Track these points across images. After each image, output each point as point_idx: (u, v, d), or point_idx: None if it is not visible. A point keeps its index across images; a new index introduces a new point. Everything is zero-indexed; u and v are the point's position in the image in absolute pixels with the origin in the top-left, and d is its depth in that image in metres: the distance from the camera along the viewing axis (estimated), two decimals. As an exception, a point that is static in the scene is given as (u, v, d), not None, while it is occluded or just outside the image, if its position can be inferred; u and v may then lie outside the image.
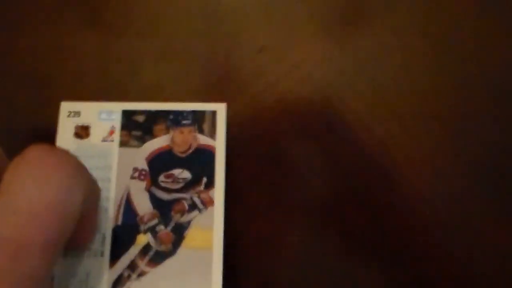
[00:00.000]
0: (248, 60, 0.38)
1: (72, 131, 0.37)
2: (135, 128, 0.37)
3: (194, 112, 0.37)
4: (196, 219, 0.35)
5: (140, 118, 0.37)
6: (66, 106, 0.37)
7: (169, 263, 0.34)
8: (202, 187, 0.36)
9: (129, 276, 0.34)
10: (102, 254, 0.34)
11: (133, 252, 0.34)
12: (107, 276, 0.33)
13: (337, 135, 0.38)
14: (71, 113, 0.37)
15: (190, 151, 0.36)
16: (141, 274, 0.34)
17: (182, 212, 0.35)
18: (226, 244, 0.34)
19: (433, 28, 0.39)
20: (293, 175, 0.37)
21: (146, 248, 0.34)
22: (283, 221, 0.35)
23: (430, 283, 0.35)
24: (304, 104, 0.38)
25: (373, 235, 0.36)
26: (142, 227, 0.35)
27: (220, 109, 0.38)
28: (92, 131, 0.37)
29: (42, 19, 0.39)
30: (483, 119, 0.38)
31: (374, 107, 0.39)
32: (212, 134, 0.37)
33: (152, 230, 0.35)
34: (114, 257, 0.34)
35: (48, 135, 0.36)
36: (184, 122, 0.37)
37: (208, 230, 0.35)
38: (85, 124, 0.37)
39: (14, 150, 0.35)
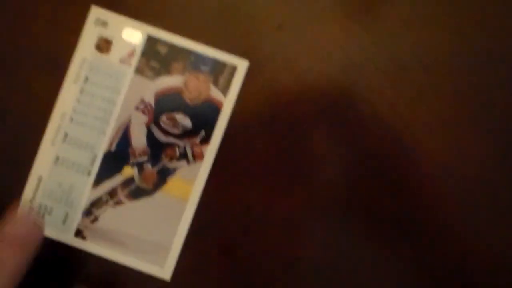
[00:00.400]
0: (267, 37, 0.35)
1: (94, 41, 0.36)
2: (155, 58, 0.36)
3: (215, 61, 0.36)
4: (182, 169, 0.36)
5: (162, 49, 0.36)
6: (95, 12, 0.37)
7: (145, 201, 0.36)
8: (198, 140, 0.36)
9: (107, 201, 0.36)
10: (89, 173, 0.36)
11: (116, 180, 0.36)
12: (88, 195, 0.36)
13: (359, 113, 0.37)
14: (98, 21, 0.37)
15: (199, 100, 0.36)
16: (118, 203, 0.36)
17: (172, 158, 0.36)
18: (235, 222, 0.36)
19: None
20: (313, 155, 0.36)
21: (129, 181, 0.36)
22: (304, 200, 0.36)
23: (457, 262, 0.36)
24: (324, 82, 0.36)
25: (397, 214, 0.36)
26: (132, 160, 0.36)
27: (241, 66, 0.36)
28: (113, 47, 0.36)
29: None
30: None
31: (397, 85, 0.36)
32: (225, 90, 0.36)
33: (139, 166, 0.36)
34: (99, 180, 0.36)
35: (69, 42, 0.36)
36: (203, 68, 0.36)
37: (190, 183, 0.36)
38: (109, 38, 0.36)
39: (34, 54, 0.36)
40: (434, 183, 0.36)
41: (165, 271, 0.36)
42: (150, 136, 0.36)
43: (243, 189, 0.36)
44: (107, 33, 0.36)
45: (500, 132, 0.37)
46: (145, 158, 0.36)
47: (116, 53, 0.36)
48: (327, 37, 0.36)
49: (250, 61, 0.36)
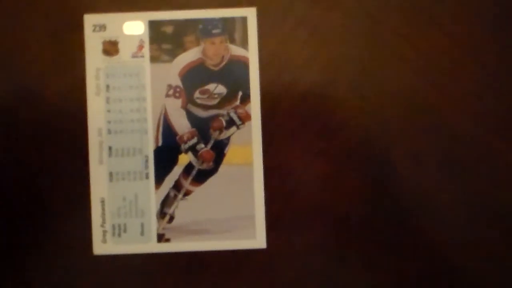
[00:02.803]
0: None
1: (100, 47, 0.35)
2: (165, 40, 0.35)
3: (224, 20, 0.35)
4: (235, 135, 0.35)
5: (168, 29, 0.35)
6: (89, 19, 0.35)
7: (212, 181, 0.35)
8: (238, 102, 0.35)
9: (175, 196, 0.35)
10: (147, 176, 0.35)
11: (176, 172, 0.35)
12: (155, 197, 0.35)
13: (380, 55, 0.35)
14: (96, 27, 0.35)
15: (223, 63, 0.35)
16: (187, 193, 0.35)
17: (220, 129, 0.35)
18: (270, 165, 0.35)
19: None
20: (337, 109, 0.35)
21: (189, 168, 0.35)
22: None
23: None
24: (338, 32, 0.35)
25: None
26: (183, 147, 0.35)
27: (251, 14, 0.35)
28: (121, 46, 0.35)
29: None
30: None
31: (412, 22, 0.35)
32: (244, 43, 0.35)
33: (193, 149, 0.35)
34: (159, 179, 0.35)
35: (76, 57, 0.35)
36: (215, 31, 0.35)
37: (248, 146, 0.35)
38: (113, 39, 0.35)
39: (44, 82, 0.35)
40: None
41: (258, 240, 0.35)
42: (191, 117, 0.35)
43: (300, 132, 0.35)
44: (109, 35, 0.35)
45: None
46: (195, 140, 0.35)
47: (125, 51, 0.35)
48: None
49: (257, 8, 0.35)
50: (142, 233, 0.35)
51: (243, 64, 0.35)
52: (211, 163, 0.35)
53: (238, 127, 0.35)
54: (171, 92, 0.35)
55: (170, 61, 0.35)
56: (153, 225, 0.35)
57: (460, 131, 0.35)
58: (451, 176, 0.35)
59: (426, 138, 0.35)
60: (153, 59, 0.35)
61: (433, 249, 0.35)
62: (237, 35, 0.35)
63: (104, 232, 0.35)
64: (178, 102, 0.35)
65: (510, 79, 0.35)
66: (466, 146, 0.35)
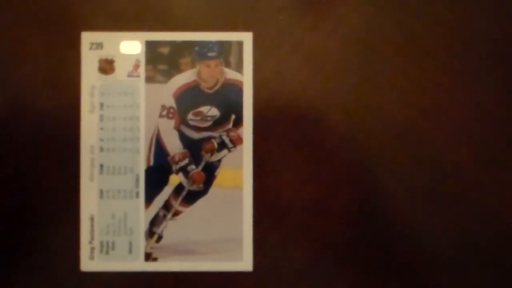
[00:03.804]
0: (269, 21, 0.35)
1: (96, 65, 0.35)
2: (161, 61, 0.35)
3: (220, 44, 0.35)
4: (226, 158, 0.35)
5: (165, 50, 0.35)
6: (87, 37, 0.36)
7: (201, 202, 0.35)
8: (230, 125, 0.35)
9: (164, 216, 0.35)
10: (137, 195, 0.35)
11: (166, 192, 0.35)
12: (144, 216, 0.35)
13: (373, 84, 0.36)
14: (93, 45, 0.36)
15: (217, 86, 0.35)
16: (176, 213, 0.35)
17: (212, 151, 0.35)
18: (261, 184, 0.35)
19: None
20: (330, 135, 0.35)
21: (179, 188, 0.35)
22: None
23: None
24: (333, 59, 0.35)
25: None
26: (174, 167, 0.35)
27: (247, 38, 0.35)
28: (117, 65, 0.35)
29: None
30: None
31: (407, 52, 0.35)
32: (239, 68, 0.35)
33: (184, 170, 0.35)
34: (149, 198, 0.35)
35: (71, 74, 0.36)
36: (210, 54, 0.35)
37: (238, 169, 0.35)
38: (109, 58, 0.35)
39: (38, 97, 0.35)
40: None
41: (245, 263, 0.35)
42: (183, 138, 0.35)
43: (292, 157, 0.35)
44: (105, 53, 0.35)
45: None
46: (186, 161, 0.35)
47: (121, 70, 0.35)
48: (330, 14, 0.35)
49: (253, 33, 0.36)
50: (130, 251, 0.35)
51: (237, 88, 0.35)
52: (201, 185, 0.35)
53: (229, 150, 0.35)
54: (164, 112, 0.35)
55: (165, 82, 0.35)
56: (141, 244, 0.35)
57: (448, 162, 0.36)
58: (438, 204, 0.36)
59: (414, 167, 0.35)
60: (149, 79, 0.35)
61: (419, 274, 0.36)
62: (233, 59, 0.35)
63: (92, 248, 0.35)
64: (171, 123, 0.35)
65: (498, 111, 0.36)
66: (453, 176, 0.36)
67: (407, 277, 0.35)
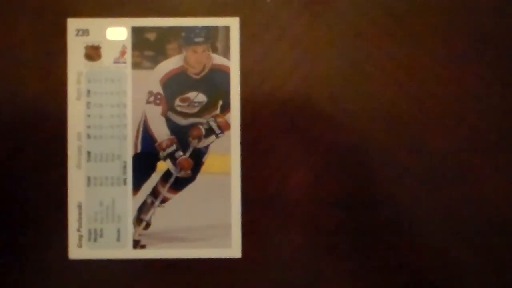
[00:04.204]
0: (256, 6, 0.34)
1: (82, 52, 0.35)
2: (147, 47, 0.35)
3: (207, 29, 0.35)
4: (214, 144, 0.35)
5: (151, 36, 0.35)
6: (73, 23, 0.35)
7: (189, 189, 0.35)
8: (218, 111, 0.35)
9: (152, 203, 0.35)
10: (124, 182, 0.35)
11: (154, 179, 0.35)
12: (132, 203, 0.35)
13: (361, 70, 0.35)
14: (79, 32, 0.35)
15: (204, 72, 0.35)
16: (164, 200, 0.35)
17: (199, 138, 0.35)
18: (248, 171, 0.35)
19: None
20: (318, 120, 0.35)
21: (167, 175, 0.35)
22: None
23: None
24: (321, 44, 0.35)
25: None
26: (162, 154, 0.35)
27: (234, 24, 0.35)
28: (103, 51, 0.35)
29: None
30: None
31: (395, 37, 0.35)
32: (226, 53, 0.35)
33: (172, 157, 0.35)
34: (137, 185, 0.35)
35: (58, 61, 0.35)
36: (197, 39, 0.35)
37: (226, 155, 0.35)
38: (95, 44, 0.35)
39: (25, 85, 0.35)
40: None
41: (234, 250, 0.35)
42: (170, 124, 0.35)
43: (280, 143, 0.35)
44: (91, 40, 0.35)
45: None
46: (173, 147, 0.35)
47: (107, 56, 0.35)
48: None
49: (240, 18, 0.35)
50: (118, 239, 0.35)
51: (224, 74, 0.35)
52: (189, 171, 0.35)
53: (217, 136, 0.35)
54: (151, 99, 0.35)
55: (152, 68, 0.35)
56: (129, 231, 0.35)
57: (439, 148, 0.35)
58: (427, 190, 0.35)
59: (405, 153, 0.35)
60: (135, 65, 0.35)
61: (407, 261, 0.35)
62: (220, 44, 0.35)
63: (80, 236, 0.35)
64: (158, 109, 0.35)
65: (490, 99, 0.36)
66: (444, 162, 0.35)
67: (395, 264, 0.35)
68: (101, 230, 0.35)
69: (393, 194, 0.35)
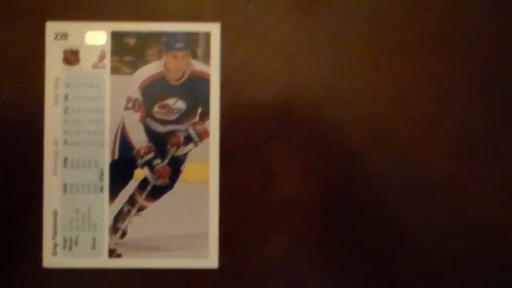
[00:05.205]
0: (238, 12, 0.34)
1: (60, 56, 0.35)
2: (127, 52, 0.34)
3: (187, 35, 0.34)
4: (192, 152, 0.34)
5: (131, 41, 0.34)
6: (52, 27, 0.35)
7: (167, 197, 0.34)
8: (197, 119, 0.34)
9: (129, 211, 0.34)
10: (101, 190, 0.34)
11: (131, 186, 0.34)
12: (108, 211, 0.34)
13: (342, 77, 0.35)
14: (57, 35, 0.35)
15: (184, 78, 0.34)
16: (141, 209, 0.34)
17: (178, 145, 0.34)
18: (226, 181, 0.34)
19: None
20: (298, 128, 0.35)
21: (144, 183, 0.34)
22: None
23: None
24: (302, 51, 0.34)
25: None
26: (139, 161, 0.34)
27: (215, 30, 0.34)
28: (82, 56, 0.35)
29: None
30: None
31: (376, 45, 0.35)
32: (207, 59, 0.34)
33: (149, 164, 0.34)
34: (114, 192, 0.34)
35: (35, 65, 0.35)
36: (177, 45, 0.34)
37: (205, 164, 0.34)
38: (74, 48, 0.35)
39: (1, 88, 0.35)
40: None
41: (210, 260, 0.34)
42: (149, 131, 0.34)
43: (260, 152, 0.35)
44: (70, 44, 0.34)
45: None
46: (151, 155, 0.34)
47: (86, 60, 0.34)
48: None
49: (221, 23, 0.35)
50: (93, 247, 0.34)
51: (204, 80, 0.34)
52: (166, 179, 0.34)
53: (195, 144, 0.34)
54: (130, 105, 0.34)
55: (131, 73, 0.34)
56: (105, 240, 0.34)
57: (420, 156, 0.35)
58: (409, 197, 0.35)
59: (384, 160, 0.35)
60: (114, 70, 0.34)
61: (392, 268, 0.35)
62: (200, 51, 0.34)
63: (55, 244, 0.34)
64: (137, 116, 0.34)
65: (471, 106, 0.35)
66: (426, 171, 0.35)
67: (379, 272, 0.35)
68: (77, 238, 0.34)
69: (375, 201, 0.35)
